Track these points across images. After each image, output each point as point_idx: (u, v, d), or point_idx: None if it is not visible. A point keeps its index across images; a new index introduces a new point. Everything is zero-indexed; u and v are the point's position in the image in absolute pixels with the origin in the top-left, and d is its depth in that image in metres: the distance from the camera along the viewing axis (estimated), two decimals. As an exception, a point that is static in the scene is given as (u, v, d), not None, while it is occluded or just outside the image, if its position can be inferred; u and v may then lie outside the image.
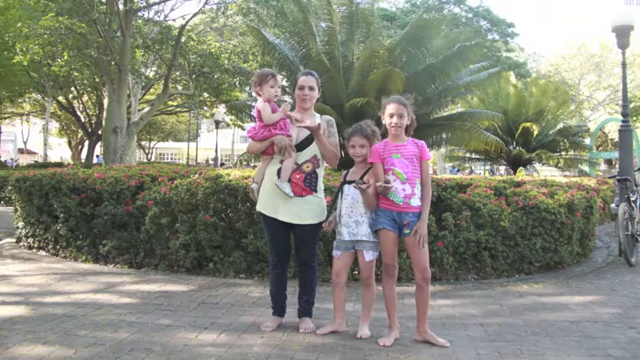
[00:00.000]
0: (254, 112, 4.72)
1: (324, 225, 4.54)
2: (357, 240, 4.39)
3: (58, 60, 18.65)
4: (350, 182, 4.45)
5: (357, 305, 5.32)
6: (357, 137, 4.45)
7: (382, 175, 4.27)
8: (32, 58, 17.64)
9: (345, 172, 4.66)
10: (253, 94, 4.67)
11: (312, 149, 4.56)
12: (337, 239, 4.51)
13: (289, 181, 4.46)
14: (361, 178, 4.38)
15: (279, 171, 4.49)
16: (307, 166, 4.54)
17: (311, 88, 4.64)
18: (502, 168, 24.06)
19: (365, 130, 4.46)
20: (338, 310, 4.53)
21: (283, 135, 4.50)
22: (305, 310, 4.69)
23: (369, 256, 4.38)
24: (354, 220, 4.38)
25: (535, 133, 23.31)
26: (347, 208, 4.41)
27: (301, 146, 4.55)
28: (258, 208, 4.68)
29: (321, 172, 4.62)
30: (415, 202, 4.28)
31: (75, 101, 34.41)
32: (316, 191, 4.55)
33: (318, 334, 4.44)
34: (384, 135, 4.51)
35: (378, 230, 4.35)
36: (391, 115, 4.33)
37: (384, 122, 4.42)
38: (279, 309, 4.76)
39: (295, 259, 4.83)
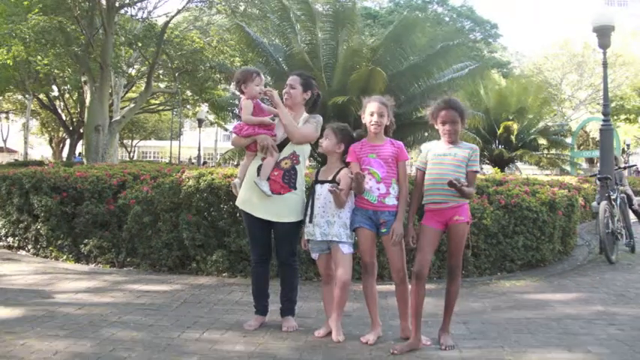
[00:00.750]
0: (238, 110, 4.72)
1: (301, 244, 4.54)
2: (329, 240, 4.34)
3: (39, 57, 18.43)
4: (322, 182, 4.42)
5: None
6: (327, 131, 4.49)
7: None
8: (14, 57, 17.45)
9: (316, 170, 4.63)
10: (236, 92, 4.66)
11: (292, 146, 4.54)
12: (310, 240, 4.47)
13: (268, 179, 4.45)
14: (334, 177, 4.37)
15: (259, 168, 4.48)
16: (286, 163, 4.50)
17: (291, 87, 4.64)
18: (485, 167, 24.19)
19: (334, 128, 4.49)
20: (329, 310, 4.49)
21: (267, 134, 4.49)
22: (287, 309, 4.68)
23: (345, 249, 4.32)
24: (325, 220, 4.33)
25: (515, 131, 23.46)
26: (319, 208, 4.36)
27: (281, 145, 4.54)
28: (238, 203, 4.68)
29: (301, 169, 4.59)
30: (390, 201, 4.28)
31: (56, 100, 34.06)
32: (295, 188, 4.52)
33: (315, 336, 4.38)
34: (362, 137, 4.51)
35: (355, 229, 4.34)
36: (372, 114, 4.32)
37: (363, 121, 4.41)
38: (261, 307, 4.74)
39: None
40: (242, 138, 4.58)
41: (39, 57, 18.45)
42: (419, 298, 4.11)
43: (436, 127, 4.31)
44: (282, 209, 4.47)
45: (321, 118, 4.72)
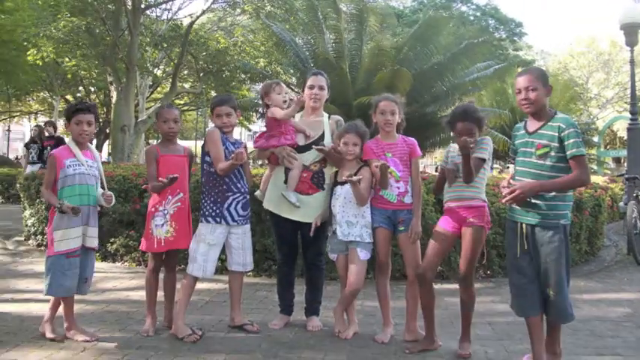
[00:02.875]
0: (265, 121, 4.73)
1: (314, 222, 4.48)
2: (349, 240, 4.34)
3: (66, 58, 18.69)
4: (341, 183, 4.40)
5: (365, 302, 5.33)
6: (351, 135, 4.37)
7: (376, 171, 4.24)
8: (44, 58, 17.69)
9: (335, 172, 4.60)
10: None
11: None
12: (331, 241, 4.48)
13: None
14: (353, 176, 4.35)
15: (286, 177, 4.53)
16: (315, 166, 4.54)
17: (321, 88, 4.66)
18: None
19: (360, 128, 4.42)
20: (351, 313, 4.51)
21: (284, 144, 4.50)
22: (312, 309, 4.70)
23: (362, 255, 4.32)
24: (345, 221, 4.33)
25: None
26: (339, 208, 4.35)
27: (307, 148, 4.56)
28: (265, 204, 4.70)
29: (327, 171, 4.60)
30: (409, 199, 4.30)
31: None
32: (323, 189, 4.54)
33: (340, 337, 4.36)
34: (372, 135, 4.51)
35: (374, 229, 4.34)
36: (383, 112, 4.32)
37: (374, 120, 4.41)
38: (286, 307, 4.77)
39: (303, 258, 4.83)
40: (263, 151, 4.63)
41: (67, 58, 18.72)
42: (427, 299, 4.13)
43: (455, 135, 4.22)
44: (309, 210, 4.48)
45: (342, 120, 4.76)
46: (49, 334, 4.16)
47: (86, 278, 4.25)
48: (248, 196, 4.53)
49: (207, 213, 4.38)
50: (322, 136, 4.59)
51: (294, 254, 4.78)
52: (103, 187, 4.34)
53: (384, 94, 4.56)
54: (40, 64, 18.35)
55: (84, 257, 4.19)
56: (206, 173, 4.44)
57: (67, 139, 4.31)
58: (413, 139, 4.43)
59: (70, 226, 4.08)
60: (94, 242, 4.24)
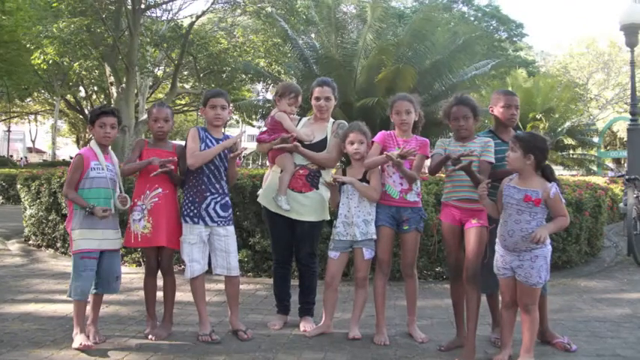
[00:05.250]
0: (268, 120, 4.74)
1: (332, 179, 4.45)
2: (361, 239, 4.35)
3: (67, 59, 18.69)
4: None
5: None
6: (355, 133, 4.42)
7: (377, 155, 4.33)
8: (47, 61, 17.69)
9: (342, 170, 4.63)
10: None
11: (324, 150, 4.61)
12: (336, 240, 4.46)
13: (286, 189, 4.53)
14: (363, 177, 4.40)
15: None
16: (312, 165, 4.57)
17: (327, 99, 4.68)
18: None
19: (362, 127, 4.48)
20: (328, 313, 4.51)
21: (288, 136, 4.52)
22: (305, 310, 4.72)
23: (367, 254, 4.37)
24: (362, 220, 4.35)
25: (542, 131, 23.19)
26: (355, 208, 4.37)
27: (313, 147, 4.58)
28: (260, 199, 4.76)
29: (326, 172, 4.63)
30: (412, 197, 4.34)
31: (83, 101, 34.50)
32: (317, 188, 4.57)
33: (307, 336, 4.41)
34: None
35: (377, 227, 4.36)
36: (398, 113, 4.38)
37: (392, 119, 4.47)
38: (282, 307, 4.79)
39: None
40: (264, 144, 4.64)
41: (67, 59, 18.72)
42: (457, 296, 4.21)
43: (450, 125, 4.28)
44: (302, 207, 4.51)
45: (346, 124, 4.75)
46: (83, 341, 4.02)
47: (117, 276, 4.23)
48: (228, 198, 4.46)
49: (185, 212, 4.34)
50: (325, 140, 4.62)
51: (290, 253, 4.78)
52: (120, 190, 4.33)
53: (400, 93, 4.62)
54: (45, 67, 18.37)
55: (109, 257, 4.18)
56: (187, 172, 4.41)
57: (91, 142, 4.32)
58: (425, 139, 4.48)
59: (90, 227, 4.07)
60: (115, 244, 4.22)
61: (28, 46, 17.30)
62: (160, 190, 4.34)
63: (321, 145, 4.59)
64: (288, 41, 14.65)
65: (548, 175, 3.71)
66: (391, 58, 13.07)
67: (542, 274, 3.68)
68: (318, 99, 4.68)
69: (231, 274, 4.44)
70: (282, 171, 4.56)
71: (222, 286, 5.85)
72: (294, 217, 4.53)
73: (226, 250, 4.40)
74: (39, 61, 17.29)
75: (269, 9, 19.05)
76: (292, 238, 4.69)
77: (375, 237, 4.35)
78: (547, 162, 3.76)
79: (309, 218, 4.55)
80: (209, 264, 4.43)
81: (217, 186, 4.39)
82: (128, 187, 4.78)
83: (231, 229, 4.47)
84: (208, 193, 4.36)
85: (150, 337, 4.28)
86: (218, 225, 4.37)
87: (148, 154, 4.36)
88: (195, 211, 4.32)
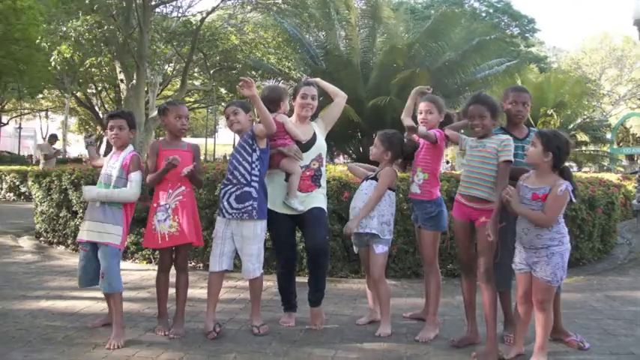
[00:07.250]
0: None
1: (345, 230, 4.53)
2: (366, 232, 4.40)
3: (77, 55, 18.74)
4: (373, 178, 4.55)
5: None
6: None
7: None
8: (62, 61, 17.76)
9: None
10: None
11: (317, 148, 4.64)
12: (353, 234, 4.55)
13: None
14: (376, 174, 4.60)
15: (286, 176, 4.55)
16: (314, 164, 4.59)
17: (313, 97, 4.69)
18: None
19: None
20: (385, 308, 4.50)
21: (289, 144, 4.53)
22: (315, 300, 4.58)
23: (378, 249, 4.42)
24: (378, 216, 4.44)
25: (554, 127, 23.06)
26: (362, 203, 4.47)
27: (307, 146, 4.59)
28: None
29: (324, 169, 4.73)
30: (414, 188, 4.52)
31: (93, 97, 34.65)
32: (320, 186, 4.64)
33: (381, 335, 4.34)
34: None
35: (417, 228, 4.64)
36: (420, 112, 4.55)
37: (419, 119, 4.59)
38: (290, 306, 4.76)
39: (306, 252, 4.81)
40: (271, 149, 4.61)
41: (78, 56, 18.77)
42: (469, 292, 4.24)
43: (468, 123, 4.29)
44: (308, 201, 4.52)
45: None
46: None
47: (102, 273, 4.19)
48: (248, 188, 4.28)
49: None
50: (314, 137, 4.65)
51: (294, 258, 4.78)
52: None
53: (427, 94, 4.73)
54: (60, 67, 18.43)
55: (98, 251, 4.19)
56: None
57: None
58: (441, 131, 4.53)
59: (85, 218, 4.31)
60: (100, 237, 4.16)
61: (43, 45, 17.30)
62: (183, 188, 4.35)
63: (312, 141, 4.62)
64: (296, 39, 14.61)
65: (567, 178, 3.67)
66: (402, 56, 13.02)
67: (558, 273, 3.64)
68: (304, 96, 4.65)
69: (246, 276, 4.41)
70: (287, 174, 4.54)
71: (234, 282, 5.91)
72: (302, 209, 4.47)
73: (241, 249, 4.34)
74: (57, 61, 17.31)
75: (280, 3, 19.01)
76: (295, 240, 4.79)
77: (376, 232, 4.40)
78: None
79: (316, 205, 4.53)
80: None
81: (230, 177, 4.35)
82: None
83: (250, 223, 4.29)
84: (222, 185, 4.39)
85: (170, 335, 4.25)
86: (233, 217, 4.30)
87: (166, 155, 4.30)
88: (220, 203, 4.38)
